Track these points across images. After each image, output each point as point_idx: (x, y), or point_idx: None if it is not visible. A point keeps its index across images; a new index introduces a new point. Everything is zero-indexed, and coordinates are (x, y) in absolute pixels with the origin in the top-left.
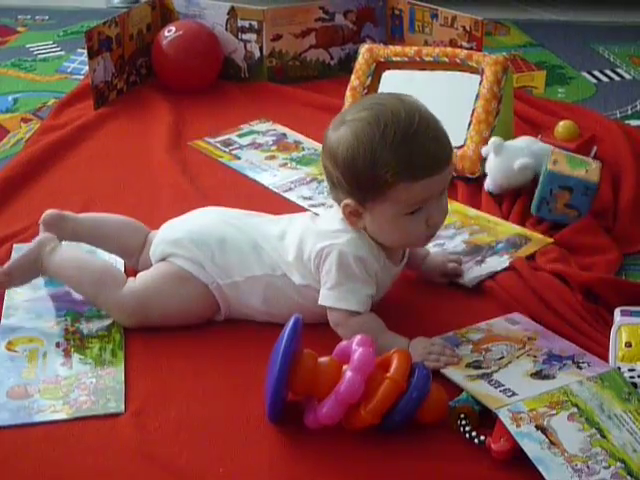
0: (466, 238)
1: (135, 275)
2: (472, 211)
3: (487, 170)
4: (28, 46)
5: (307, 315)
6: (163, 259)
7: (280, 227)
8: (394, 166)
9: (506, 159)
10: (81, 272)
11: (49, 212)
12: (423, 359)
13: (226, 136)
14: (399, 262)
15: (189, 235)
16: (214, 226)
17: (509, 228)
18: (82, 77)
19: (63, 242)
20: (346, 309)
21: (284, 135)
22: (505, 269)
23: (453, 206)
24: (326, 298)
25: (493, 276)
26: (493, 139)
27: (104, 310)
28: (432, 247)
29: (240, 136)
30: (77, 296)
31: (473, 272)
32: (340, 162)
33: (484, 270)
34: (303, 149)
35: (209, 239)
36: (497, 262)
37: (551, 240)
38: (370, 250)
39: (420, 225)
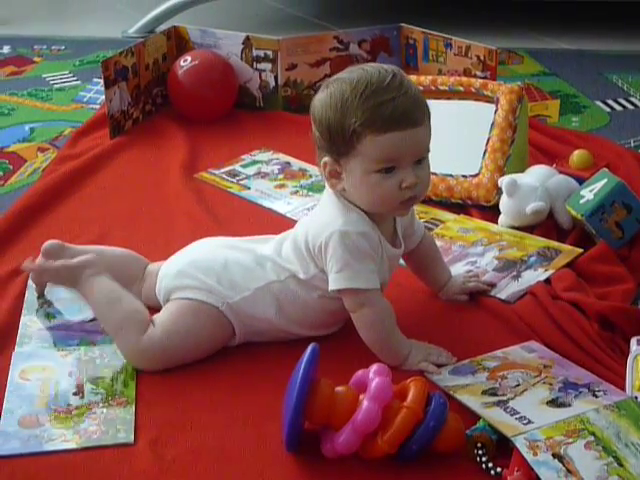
0: (496, 254)
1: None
2: (494, 227)
3: (500, 207)
4: (44, 76)
5: (324, 316)
6: (169, 296)
7: (278, 238)
8: (360, 115)
9: (519, 201)
10: (109, 308)
11: (50, 242)
12: (424, 359)
13: (230, 167)
14: (396, 244)
15: (192, 264)
16: (214, 252)
17: (536, 241)
18: (98, 106)
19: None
20: (358, 287)
21: (288, 163)
22: (540, 282)
23: (475, 223)
24: (336, 281)
25: (514, 302)
26: (507, 179)
27: (120, 351)
28: (463, 266)
29: (244, 166)
30: (90, 326)
31: (512, 287)
32: (317, 118)
33: (522, 285)
34: (310, 176)
35: (212, 263)
36: (533, 276)
37: (581, 250)
38: (369, 226)
39: (393, 187)
